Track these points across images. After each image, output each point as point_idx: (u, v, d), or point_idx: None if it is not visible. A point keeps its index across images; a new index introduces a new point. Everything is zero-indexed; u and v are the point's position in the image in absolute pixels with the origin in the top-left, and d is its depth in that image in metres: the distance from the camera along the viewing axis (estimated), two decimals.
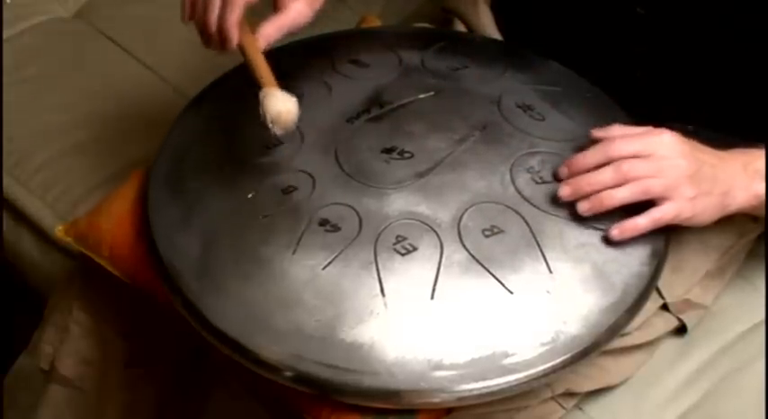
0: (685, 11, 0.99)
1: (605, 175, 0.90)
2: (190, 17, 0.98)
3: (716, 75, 1.01)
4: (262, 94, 0.91)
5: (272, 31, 0.97)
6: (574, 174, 0.92)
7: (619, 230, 0.90)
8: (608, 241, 0.91)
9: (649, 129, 0.93)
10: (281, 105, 0.90)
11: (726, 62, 1.00)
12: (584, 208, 0.90)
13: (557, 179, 0.93)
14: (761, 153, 0.94)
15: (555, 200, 0.93)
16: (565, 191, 0.91)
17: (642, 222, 0.90)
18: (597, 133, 0.94)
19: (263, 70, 0.94)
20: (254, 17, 0.98)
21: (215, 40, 0.96)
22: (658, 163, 0.90)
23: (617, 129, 0.94)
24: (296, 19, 0.98)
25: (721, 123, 0.98)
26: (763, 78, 0.98)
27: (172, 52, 1.40)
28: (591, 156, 0.92)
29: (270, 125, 0.90)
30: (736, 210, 0.94)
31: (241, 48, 0.95)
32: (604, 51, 1.05)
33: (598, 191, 0.90)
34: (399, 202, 0.92)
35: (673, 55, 1.02)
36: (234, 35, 0.94)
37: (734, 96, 1.01)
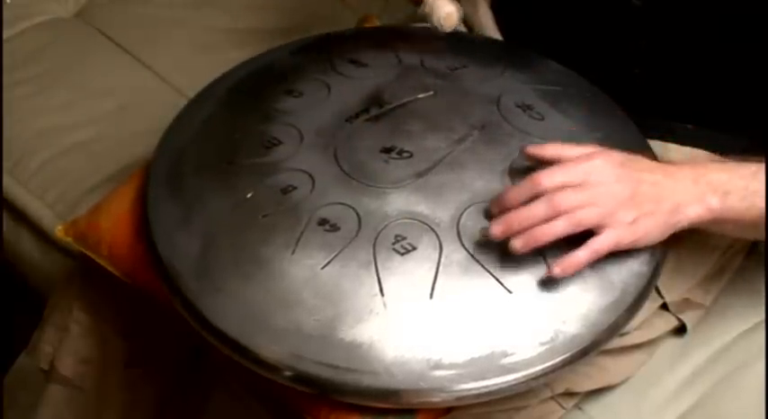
0: (682, 2, 0.99)
1: (537, 210, 0.85)
2: None
3: (714, 71, 1.00)
4: (427, 2, 1.02)
5: None
6: (504, 211, 0.88)
7: (560, 268, 0.86)
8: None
9: (582, 153, 0.89)
10: (449, 7, 1.02)
11: (724, 56, 0.99)
12: (517, 245, 0.85)
13: (487, 217, 0.90)
14: (719, 166, 0.91)
15: None
16: (496, 229, 0.86)
17: (582, 255, 0.86)
18: (531, 150, 0.91)
19: None
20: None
21: None
22: (591, 190, 0.86)
23: (551, 149, 0.91)
24: None
25: (720, 120, 0.97)
26: (763, 73, 0.98)
27: (172, 52, 1.40)
28: (519, 191, 0.87)
29: (439, 25, 1.02)
30: (690, 226, 0.90)
31: None
32: (602, 47, 1.05)
33: (531, 227, 0.86)
34: (398, 202, 0.92)
35: (670, 49, 1.02)
36: None
37: (733, 92, 1.01)
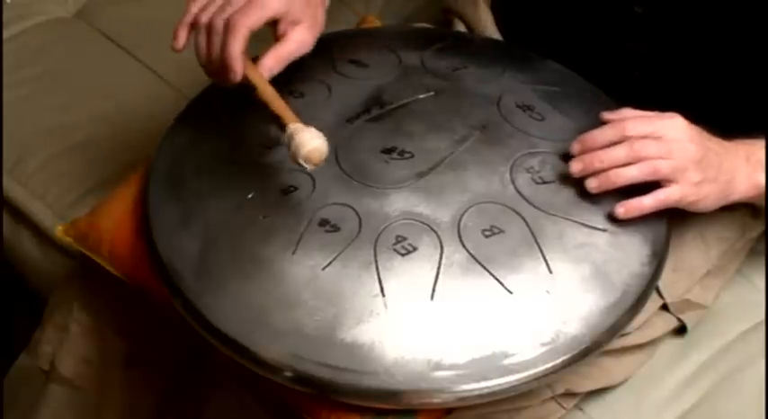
0: (683, 8, 0.99)
1: (618, 153, 0.90)
2: (183, 46, 0.97)
3: (713, 74, 1.01)
4: (289, 131, 0.88)
5: (272, 62, 0.96)
6: (586, 151, 0.92)
7: (624, 209, 0.90)
8: (613, 220, 0.91)
9: (659, 113, 0.93)
10: (315, 142, 0.87)
11: (724, 60, 1.00)
12: (593, 184, 0.91)
13: (568, 156, 0.93)
14: (762, 144, 0.95)
15: (555, 201, 0.93)
16: (576, 166, 0.91)
17: (647, 202, 0.91)
18: (608, 115, 0.94)
19: (281, 106, 0.92)
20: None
21: (218, 71, 0.95)
22: (668, 145, 0.90)
23: (628, 112, 0.94)
24: (298, 49, 0.98)
25: (720, 121, 0.97)
26: (763, 76, 0.98)
27: (172, 52, 1.40)
28: (604, 134, 0.92)
29: (302, 162, 0.87)
30: (738, 200, 0.95)
31: (248, 80, 0.94)
32: (603, 51, 1.05)
33: (608, 169, 0.90)
34: (399, 202, 0.92)
35: (671, 53, 1.02)
36: (238, 67, 0.93)
37: (733, 94, 1.01)
